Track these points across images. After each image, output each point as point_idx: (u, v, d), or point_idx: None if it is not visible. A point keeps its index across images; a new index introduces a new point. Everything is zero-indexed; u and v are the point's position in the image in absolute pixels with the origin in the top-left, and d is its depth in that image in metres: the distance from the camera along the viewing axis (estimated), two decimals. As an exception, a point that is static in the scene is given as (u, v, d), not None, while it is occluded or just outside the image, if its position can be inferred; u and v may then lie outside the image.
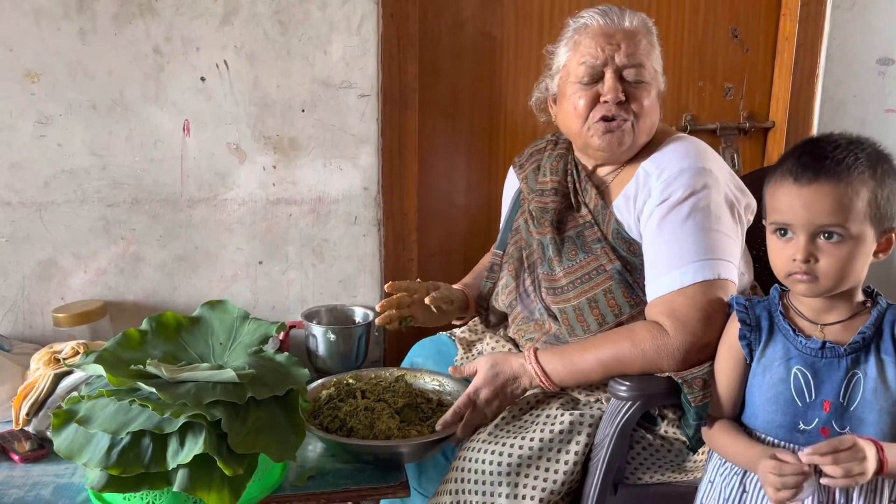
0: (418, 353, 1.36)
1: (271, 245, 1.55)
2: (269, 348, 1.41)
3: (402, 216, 1.59)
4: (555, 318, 1.12)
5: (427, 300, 1.16)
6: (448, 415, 1.05)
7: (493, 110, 1.68)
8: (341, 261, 1.58)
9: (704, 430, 0.93)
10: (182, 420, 0.92)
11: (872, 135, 0.84)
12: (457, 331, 1.39)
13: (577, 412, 1.02)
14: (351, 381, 1.24)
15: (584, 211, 1.13)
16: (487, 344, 1.25)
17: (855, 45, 1.75)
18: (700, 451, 1.04)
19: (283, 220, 1.55)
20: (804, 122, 1.77)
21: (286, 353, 1.11)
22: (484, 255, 1.44)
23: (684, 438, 1.04)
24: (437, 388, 1.24)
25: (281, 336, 1.49)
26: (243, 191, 1.53)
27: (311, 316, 1.52)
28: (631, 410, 0.96)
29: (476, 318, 1.40)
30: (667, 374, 0.99)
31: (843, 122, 1.76)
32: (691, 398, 0.93)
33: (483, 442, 1.02)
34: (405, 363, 1.38)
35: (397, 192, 1.58)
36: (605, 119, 1.07)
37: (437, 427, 1.05)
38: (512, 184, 1.33)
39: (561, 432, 1.00)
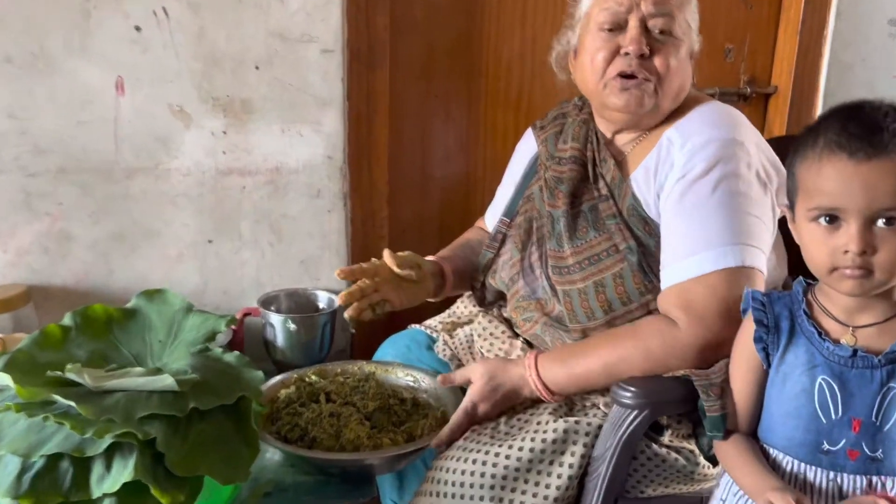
0: (389, 350, 1.25)
1: (222, 221, 1.43)
2: (220, 342, 1.28)
3: (371, 188, 1.49)
4: (560, 298, 1.01)
5: (389, 262, 1.05)
6: (444, 433, 0.96)
7: (473, 72, 1.57)
8: (302, 239, 1.46)
9: (717, 444, 0.84)
10: (108, 441, 0.79)
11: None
12: (430, 321, 1.28)
13: (571, 419, 0.92)
14: (314, 377, 1.12)
15: (601, 184, 1.02)
16: (479, 324, 1.15)
17: (865, 2, 1.64)
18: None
19: (235, 193, 1.42)
20: (809, 87, 1.67)
21: (237, 353, 0.99)
22: (463, 230, 1.33)
23: (693, 447, 0.94)
24: (411, 384, 1.14)
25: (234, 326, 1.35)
26: (189, 159, 1.39)
27: (268, 302, 1.41)
28: (637, 421, 0.87)
29: (457, 305, 1.30)
30: (678, 373, 0.88)
31: (852, 89, 1.67)
32: (707, 407, 0.83)
33: (462, 450, 0.93)
34: (375, 358, 1.27)
35: (365, 161, 1.47)
36: (623, 76, 0.96)
37: (434, 442, 0.96)
38: (528, 147, 1.21)
39: (554, 441, 0.90)
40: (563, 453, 0.91)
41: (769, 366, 0.80)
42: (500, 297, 1.19)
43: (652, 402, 0.88)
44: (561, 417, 0.95)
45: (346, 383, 1.11)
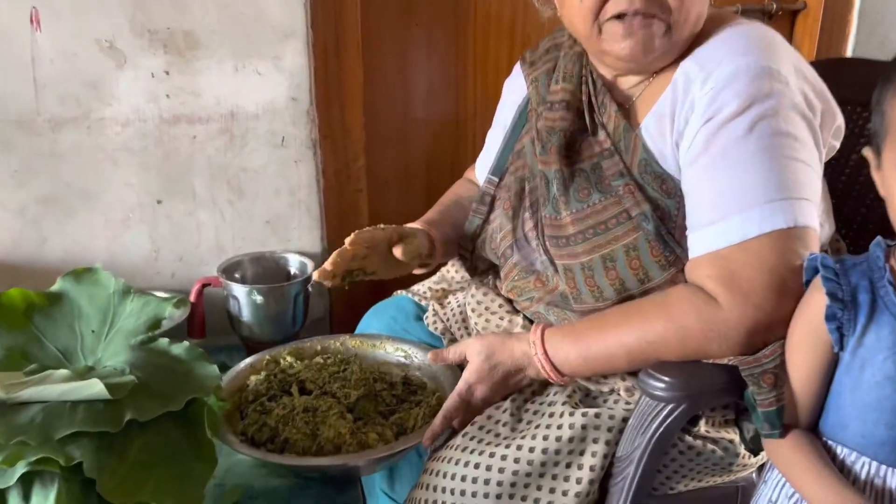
0: (373, 322, 1.11)
1: (172, 178, 1.27)
2: (176, 319, 1.12)
3: (345, 135, 1.33)
4: (561, 275, 0.87)
5: (397, 253, 0.91)
6: (437, 423, 0.83)
7: (461, -7, 1.40)
8: (267, 196, 1.31)
9: (769, 442, 0.70)
10: (21, 469, 0.65)
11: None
12: (418, 287, 1.14)
13: (591, 411, 0.79)
14: (289, 359, 0.99)
15: (601, 135, 0.85)
16: (473, 297, 1.01)
17: None
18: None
19: (184, 145, 1.25)
20: (843, 1, 1.48)
21: (186, 345, 0.84)
22: (454, 181, 1.18)
23: (732, 436, 0.81)
24: (402, 360, 1.01)
25: (193, 297, 1.20)
26: (126, 106, 1.22)
27: (231, 270, 1.27)
28: (672, 417, 0.73)
29: (447, 268, 1.16)
30: (721, 360, 0.74)
31: (890, 6, 1.47)
32: (759, 400, 0.69)
33: (461, 451, 0.80)
34: (358, 331, 1.13)
35: (336, 102, 1.31)
36: (620, 17, 0.77)
37: (426, 443, 0.83)
38: (516, 87, 1.03)
39: (570, 440, 0.77)
40: (581, 453, 0.78)
41: (842, 348, 0.66)
42: (495, 266, 1.04)
43: (690, 395, 0.74)
44: (577, 408, 0.81)
45: (326, 368, 0.98)
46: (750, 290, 0.73)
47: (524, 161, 0.96)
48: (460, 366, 0.92)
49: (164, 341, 0.84)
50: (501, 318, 0.98)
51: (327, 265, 0.88)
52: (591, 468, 0.78)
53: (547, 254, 0.90)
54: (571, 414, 0.80)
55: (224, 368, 1.16)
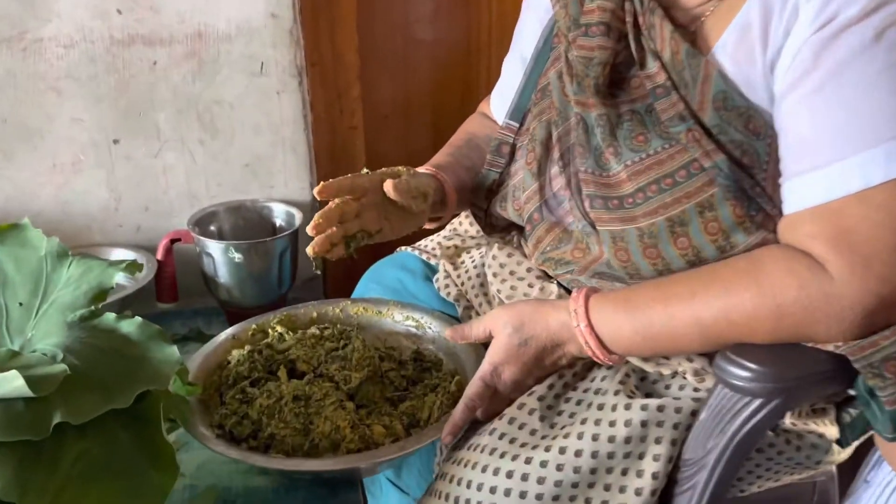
0: (372, 285, 0.97)
1: (130, 113, 1.11)
2: (140, 281, 0.97)
3: (336, 60, 1.20)
4: (608, 245, 0.73)
5: (389, 190, 0.76)
6: (458, 414, 0.70)
7: None
8: (245, 133, 1.16)
9: (885, 443, 0.55)
10: None
11: None
12: (425, 242, 1.00)
13: (651, 402, 0.65)
14: (279, 329, 0.85)
15: (652, 66, 0.67)
16: (494, 258, 0.86)
17: None
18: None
19: (143, 73, 1.10)
20: None
21: (138, 321, 0.70)
22: (465, 116, 1.02)
23: (823, 429, 0.68)
24: (414, 330, 0.87)
25: (160, 255, 1.04)
26: (69, 24, 1.05)
27: (205, 222, 1.13)
28: (760, 414, 0.58)
29: (459, 218, 1.00)
30: (829, 347, 0.59)
31: None
32: (883, 397, 0.53)
33: (488, 453, 0.67)
34: (357, 295, 0.98)
35: (325, 20, 1.17)
36: None
37: (445, 439, 0.69)
38: (540, 3, 0.85)
39: (628, 440, 0.63)
40: (640, 457, 0.64)
41: None
42: (515, 224, 0.90)
43: (785, 388, 0.59)
44: (633, 398, 0.66)
45: (322, 344, 0.83)
46: (871, 255, 0.57)
47: (551, 100, 0.79)
48: (486, 344, 0.76)
49: (109, 317, 0.68)
50: (531, 286, 0.82)
51: (312, 229, 0.72)
52: (654, 476, 0.63)
53: (586, 217, 0.74)
54: (627, 407, 0.65)
55: (201, 337, 1.03)
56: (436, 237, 1.01)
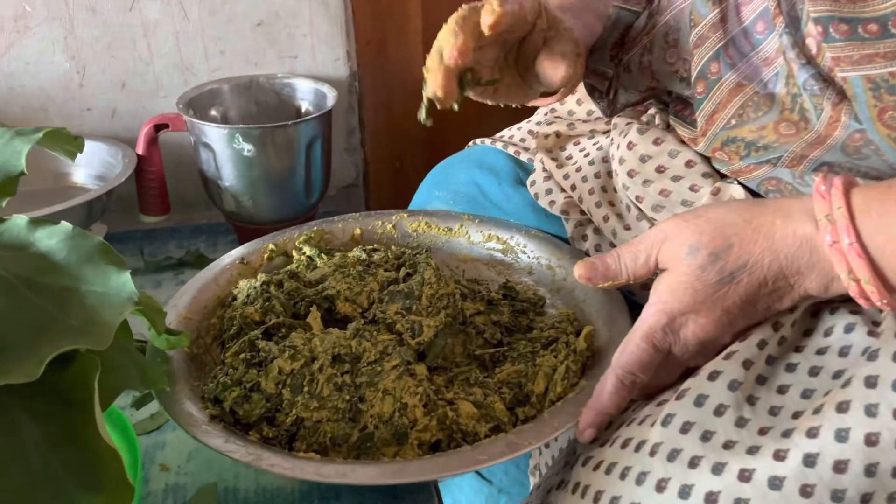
0: (437, 191, 0.75)
1: None
2: (111, 180, 0.73)
3: None
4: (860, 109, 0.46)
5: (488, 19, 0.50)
6: (604, 395, 0.46)
7: None
8: None
9: None
10: None
11: None
12: (510, 132, 0.78)
13: None
14: (306, 251, 0.65)
15: None
16: (630, 146, 0.63)
17: None
18: None
19: None
20: None
21: (68, 229, 0.44)
22: None
23: None
24: (499, 255, 0.66)
25: (141, 148, 0.81)
26: None
27: (203, 104, 0.90)
28: None
29: (575, 95, 0.75)
30: None
31: None
32: None
33: (663, 457, 0.43)
34: (417, 206, 0.77)
35: None
36: None
37: (585, 435, 0.45)
38: None
39: None
40: None
41: None
42: (653, 96, 0.65)
43: None
44: None
45: (373, 272, 0.60)
46: None
47: None
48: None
49: (17, 223, 0.44)
50: (694, 189, 0.58)
51: (454, 51, 0.50)
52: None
53: (811, 62, 0.49)
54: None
55: (201, 263, 0.83)
56: (524, 124, 0.78)
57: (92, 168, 0.86)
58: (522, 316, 0.59)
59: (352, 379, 0.48)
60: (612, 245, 0.64)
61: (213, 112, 0.89)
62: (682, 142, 0.61)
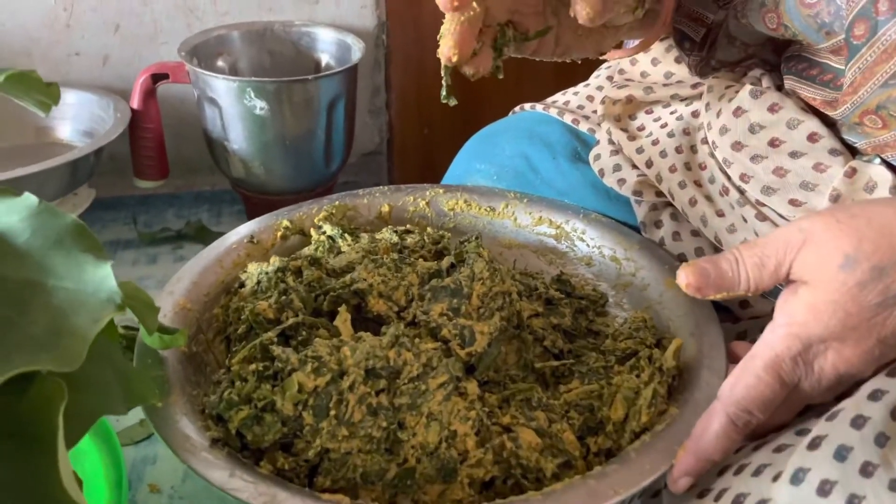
0: (477, 165, 0.68)
1: None
2: (87, 148, 0.69)
3: None
4: None
5: None
6: (709, 437, 0.38)
7: None
8: None
9: None
10: None
11: None
12: (564, 97, 0.71)
13: None
14: (327, 230, 0.57)
15: None
16: (739, 112, 0.54)
17: None
18: None
19: None
20: None
21: (31, 200, 0.33)
22: None
23: None
24: (552, 241, 0.59)
25: (137, 102, 0.73)
26: None
27: (208, 52, 0.87)
28: None
29: (649, 54, 0.66)
30: None
31: None
32: None
33: None
34: (453, 181, 0.70)
35: None
36: None
37: (677, 484, 0.37)
38: None
39: None
40: None
41: None
42: (753, 54, 0.58)
43: None
44: None
45: (411, 264, 0.51)
46: None
47: None
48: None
49: None
50: (820, 167, 0.49)
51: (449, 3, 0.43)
52: None
53: None
54: None
55: (203, 236, 0.74)
56: (581, 87, 0.70)
57: (79, 122, 0.79)
58: (581, 316, 0.51)
59: (389, 400, 0.40)
60: (695, 234, 0.55)
61: (221, 62, 0.83)
62: (805, 109, 0.51)
